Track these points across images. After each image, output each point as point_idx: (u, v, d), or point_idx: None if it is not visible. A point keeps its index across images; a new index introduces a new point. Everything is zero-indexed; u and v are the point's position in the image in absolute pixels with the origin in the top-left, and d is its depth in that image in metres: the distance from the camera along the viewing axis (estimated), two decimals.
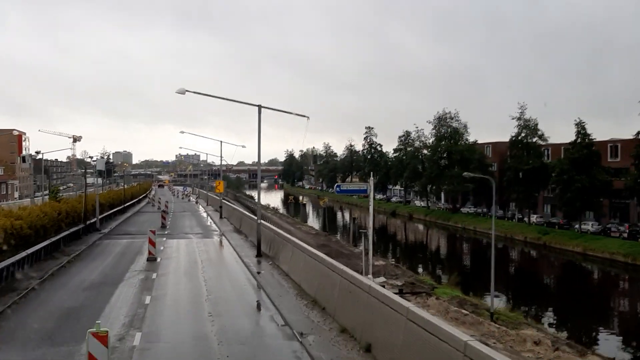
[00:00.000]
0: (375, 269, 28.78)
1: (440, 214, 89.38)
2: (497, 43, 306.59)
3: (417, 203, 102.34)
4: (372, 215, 24.25)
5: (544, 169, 66.24)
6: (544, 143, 70.85)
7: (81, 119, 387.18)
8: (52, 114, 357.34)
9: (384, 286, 17.53)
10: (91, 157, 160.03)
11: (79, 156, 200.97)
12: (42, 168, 75.79)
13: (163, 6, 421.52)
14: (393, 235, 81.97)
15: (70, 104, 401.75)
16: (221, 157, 57.63)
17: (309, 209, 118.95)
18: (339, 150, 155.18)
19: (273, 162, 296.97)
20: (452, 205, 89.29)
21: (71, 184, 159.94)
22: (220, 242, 33.65)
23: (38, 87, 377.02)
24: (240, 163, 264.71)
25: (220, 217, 48.00)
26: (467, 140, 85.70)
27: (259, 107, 27.66)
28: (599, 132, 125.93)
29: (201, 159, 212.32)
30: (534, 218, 70.42)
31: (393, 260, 50.43)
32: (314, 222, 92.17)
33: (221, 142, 56.10)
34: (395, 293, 17.35)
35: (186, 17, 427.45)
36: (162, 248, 30.38)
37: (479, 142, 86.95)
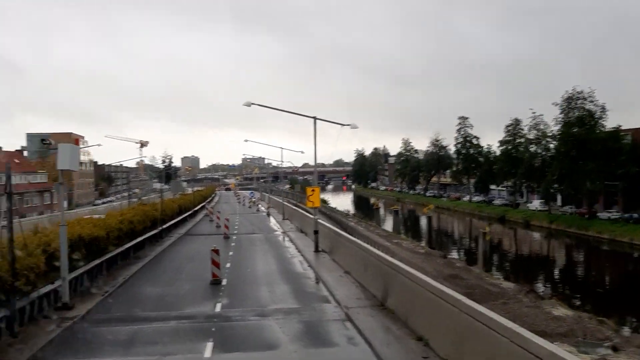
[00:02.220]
0: (562, 328, 20.25)
1: (572, 221, 68.07)
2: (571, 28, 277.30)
3: (531, 206, 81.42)
4: None
5: None
6: None
7: (148, 125, 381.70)
8: (120, 120, 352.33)
9: None
10: (165, 162, 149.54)
11: (147, 162, 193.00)
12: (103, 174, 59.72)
13: (222, 8, 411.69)
14: (526, 252, 59.31)
15: (137, 110, 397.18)
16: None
17: (399, 216, 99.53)
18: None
19: (338, 162, 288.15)
20: (587, 209, 68.09)
21: (137, 190, 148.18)
22: None
23: (105, 95, 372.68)
24: (306, 165, 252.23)
25: (316, 249, 26.47)
26: (603, 126, 64.81)
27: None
28: None
29: (266, 162, 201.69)
30: None
31: (576, 301, 31.95)
32: (405, 232, 73.64)
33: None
34: None
35: (245, 18, 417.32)
36: None
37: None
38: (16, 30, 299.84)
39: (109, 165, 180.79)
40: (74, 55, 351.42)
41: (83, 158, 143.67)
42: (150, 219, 29.72)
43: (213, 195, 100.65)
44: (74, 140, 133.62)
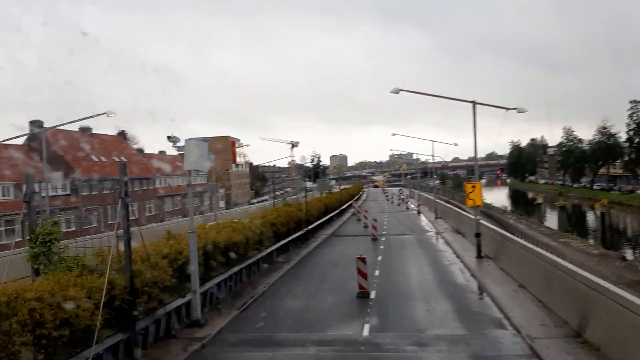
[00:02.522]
0: None
1: None
2: None
3: None
4: None
5: None
6: None
7: (298, 126, 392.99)
8: (273, 123, 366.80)
9: None
10: (313, 161, 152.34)
11: (298, 161, 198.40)
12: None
13: (367, 4, 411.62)
14: None
15: (288, 111, 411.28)
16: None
17: (565, 211, 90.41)
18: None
19: (491, 156, 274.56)
20: None
21: (289, 189, 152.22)
22: None
23: (259, 99, 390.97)
24: (455, 159, 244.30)
25: (479, 255, 22.69)
26: None
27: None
28: None
29: (414, 158, 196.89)
30: None
31: None
32: (572, 230, 65.67)
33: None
34: None
35: (390, 13, 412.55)
36: None
37: None
38: (178, 43, 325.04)
39: (263, 166, 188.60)
40: (229, 63, 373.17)
41: (239, 159, 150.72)
42: (295, 220, 27.97)
43: (360, 193, 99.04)
44: (231, 142, 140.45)
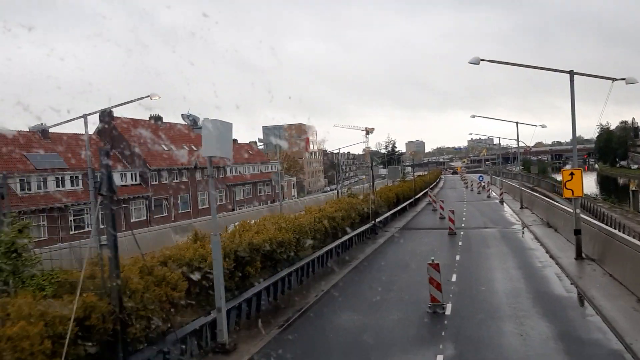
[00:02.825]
0: None
1: None
2: None
3: None
4: None
5: None
6: None
7: (373, 112, 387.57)
8: (347, 110, 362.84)
9: None
10: (387, 147, 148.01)
11: (374, 148, 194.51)
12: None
13: None
14: None
15: (362, 98, 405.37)
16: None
17: None
18: None
19: (577, 140, 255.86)
20: None
21: (363, 176, 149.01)
22: None
23: (333, 86, 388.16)
24: (539, 144, 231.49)
25: (578, 255, 18.84)
26: None
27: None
28: None
29: (495, 142, 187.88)
30: None
31: None
32: None
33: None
34: None
35: None
36: None
37: None
38: (253, 34, 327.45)
39: (336, 153, 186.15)
40: (302, 50, 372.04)
41: (312, 147, 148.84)
42: (359, 213, 24.78)
43: (437, 180, 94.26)
44: (305, 130, 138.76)
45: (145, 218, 53.22)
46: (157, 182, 55.87)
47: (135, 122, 57.73)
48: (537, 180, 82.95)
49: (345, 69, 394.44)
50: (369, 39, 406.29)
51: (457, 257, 21.02)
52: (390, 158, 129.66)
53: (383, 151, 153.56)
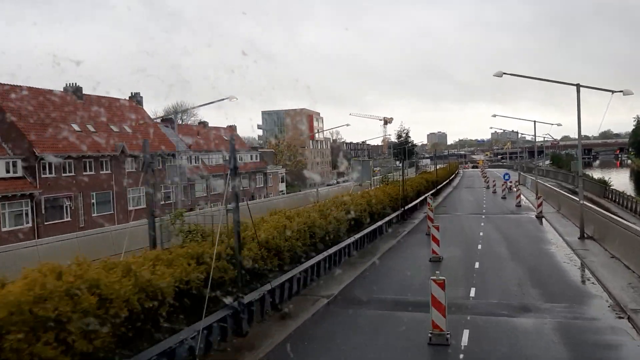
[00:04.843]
0: None
1: None
2: None
3: None
4: None
5: None
6: None
7: (393, 104, 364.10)
8: (366, 100, 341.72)
9: None
10: (401, 137, 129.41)
11: (393, 139, 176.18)
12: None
13: None
14: None
15: (382, 89, 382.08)
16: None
17: None
18: None
19: (606, 134, 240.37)
20: None
21: (377, 168, 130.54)
22: None
23: (351, 76, 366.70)
24: (565, 138, 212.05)
25: None
26: None
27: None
28: None
29: (519, 136, 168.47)
30: None
31: None
32: None
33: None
34: None
35: None
36: None
37: None
38: (268, 23, 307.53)
39: (349, 144, 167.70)
40: (320, 40, 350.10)
41: (318, 136, 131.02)
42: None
43: (452, 175, 75.62)
44: (308, 117, 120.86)
45: (29, 225, 36.51)
46: (55, 175, 39.06)
47: (36, 93, 40.93)
48: (573, 179, 63.58)
49: (363, 59, 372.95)
50: (388, 28, 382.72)
51: None
52: (403, 149, 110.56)
53: (395, 140, 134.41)
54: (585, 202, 21.99)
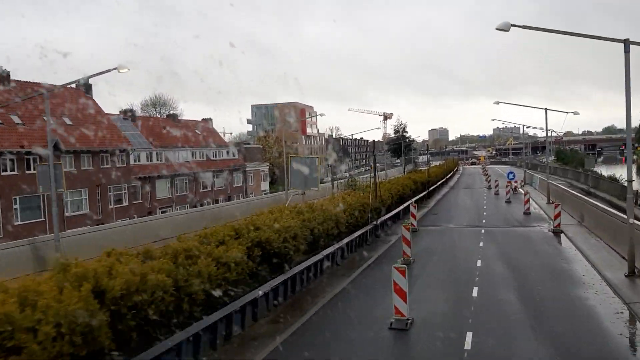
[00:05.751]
0: None
1: None
2: None
3: None
4: None
5: None
6: None
7: (394, 100, 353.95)
8: (367, 96, 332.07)
9: None
10: (398, 133, 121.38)
11: (393, 135, 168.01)
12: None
13: None
14: None
15: (382, 84, 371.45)
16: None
17: None
18: None
19: (610, 129, 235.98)
20: None
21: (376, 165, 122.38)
22: None
23: (351, 72, 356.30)
24: (568, 133, 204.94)
25: None
26: None
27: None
28: None
29: (522, 131, 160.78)
30: None
31: None
32: None
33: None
34: None
35: None
36: None
37: None
38: (267, 18, 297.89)
39: (345, 139, 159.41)
40: (320, 35, 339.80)
41: (310, 131, 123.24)
42: None
43: (450, 173, 67.79)
44: (299, 110, 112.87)
45: None
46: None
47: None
48: (586, 178, 55.72)
49: (363, 54, 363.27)
50: (388, 23, 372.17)
51: None
52: (400, 144, 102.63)
53: (393, 136, 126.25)
54: (636, 222, 14.22)
